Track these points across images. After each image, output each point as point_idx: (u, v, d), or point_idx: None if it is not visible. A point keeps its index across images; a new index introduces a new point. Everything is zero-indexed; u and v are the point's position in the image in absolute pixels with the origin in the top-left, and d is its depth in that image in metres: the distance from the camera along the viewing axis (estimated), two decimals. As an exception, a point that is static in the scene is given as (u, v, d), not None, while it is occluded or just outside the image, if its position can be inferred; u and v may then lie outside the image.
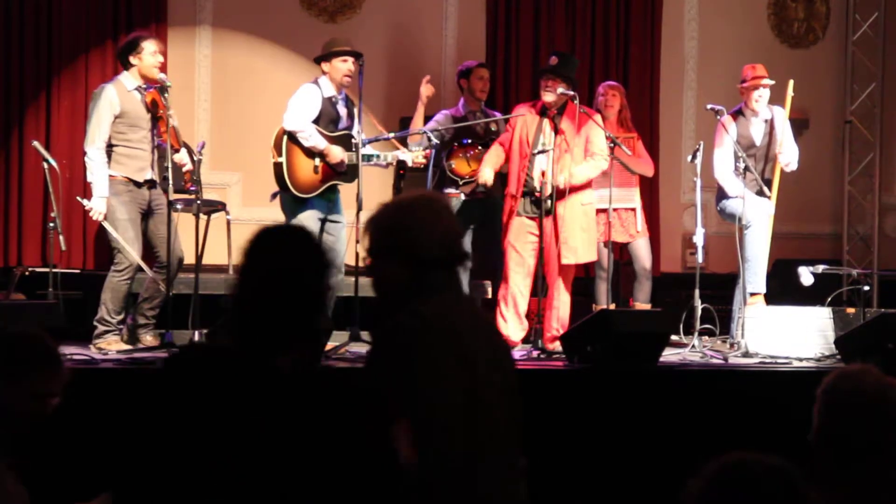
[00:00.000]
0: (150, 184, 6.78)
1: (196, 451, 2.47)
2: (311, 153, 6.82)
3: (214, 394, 2.50)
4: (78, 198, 6.93)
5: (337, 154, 6.81)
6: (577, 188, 7.00)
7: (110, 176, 6.65)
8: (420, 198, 2.86)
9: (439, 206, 2.87)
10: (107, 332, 6.60)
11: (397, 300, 2.72)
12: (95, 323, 6.63)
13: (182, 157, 6.83)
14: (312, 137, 6.79)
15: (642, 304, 7.84)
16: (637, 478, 5.74)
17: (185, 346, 2.83)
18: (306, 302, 2.62)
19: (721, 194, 7.71)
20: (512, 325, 6.99)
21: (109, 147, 6.66)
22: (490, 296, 7.72)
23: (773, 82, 7.63)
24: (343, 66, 6.90)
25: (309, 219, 6.85)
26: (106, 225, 6.65)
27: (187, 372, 2.57)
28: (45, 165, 7.25)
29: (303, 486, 2.48)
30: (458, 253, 2.83)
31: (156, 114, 6.75)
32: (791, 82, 7.74)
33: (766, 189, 7.58)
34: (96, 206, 6.59)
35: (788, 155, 7.63)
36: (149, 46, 6.73)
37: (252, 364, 2.53)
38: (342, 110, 6.99)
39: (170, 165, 6.67)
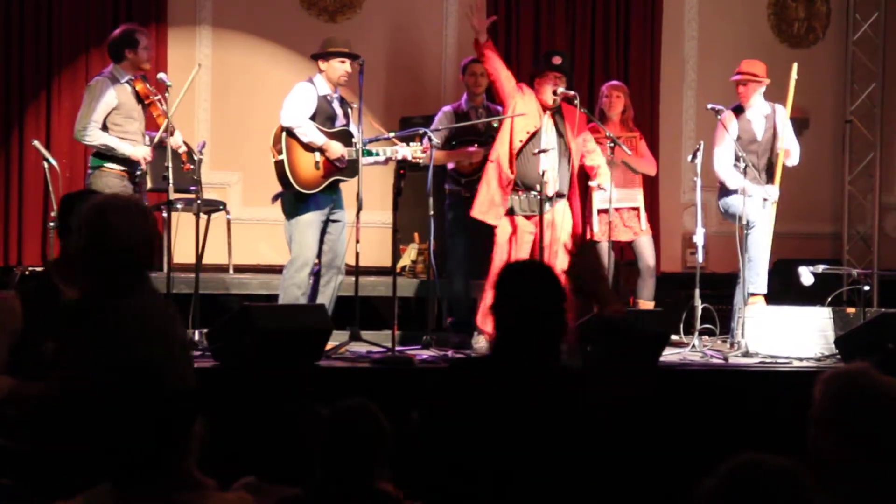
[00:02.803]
0: (139, 177, 6.84)
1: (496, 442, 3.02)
2: (310, 149, 6.81)
3: (505, 392, 3.05)
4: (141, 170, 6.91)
5: (336, 149, 6.80)
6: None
7: (108, 168, 6.70)
8: (114, 201, 3.11)
9: (131, 211, 3.08)
10: None
11: (86, 294, 3.04)
12: None
13: (177, 139, 6.84)
14: (310, 133, 6.78)
15: (646, 301, 7.83)
16: (637, 478, 5.73)
17: (458, 361, 3.51)
18: (553, 322, 3.14)
19: (723, 193, 7.71)
20: None
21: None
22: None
23: (758, 80, 7.64)
24: (340, 66, 6.90)
25: (310, 221, 6.83)
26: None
27: (469, 378, 3.17)
28: (45, 165, 7.27)
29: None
30: (143, 258, 3.07)
31: (145, 101, 6.81)
32: (795, 65, 7.77)
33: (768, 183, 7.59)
34: (141, 153, 6.73)
35: (789, 143, 7.65)
36: (143, 40, 6.86)
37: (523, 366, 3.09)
38: (338, 109, 6.99)
39: (170, 165, 6.69)
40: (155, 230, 3.22)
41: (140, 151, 6.73)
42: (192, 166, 7.08)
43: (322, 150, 6.81)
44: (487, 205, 6.99)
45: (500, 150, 7.01)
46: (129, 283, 3.06)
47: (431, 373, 6.13)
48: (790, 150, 7.65)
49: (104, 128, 6.75)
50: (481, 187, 7.05)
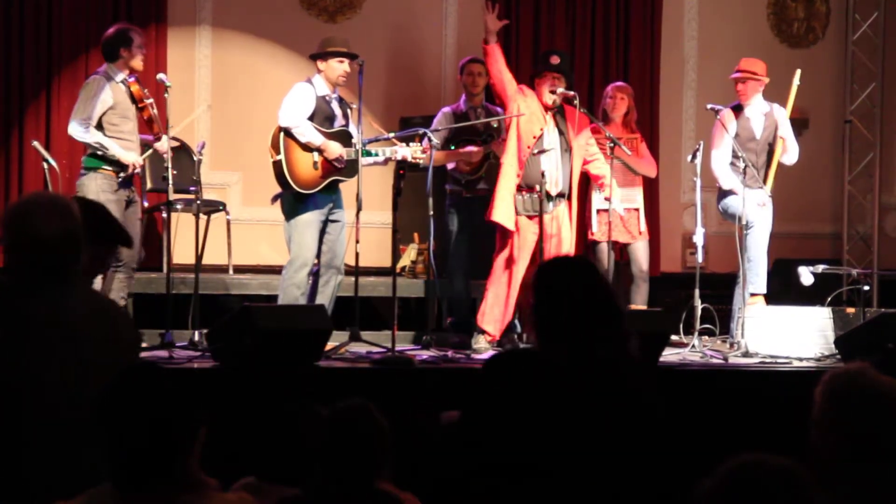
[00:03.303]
0: (136, 176, 6.84)
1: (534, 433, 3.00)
2: (308, 149, 6.80)
3: (543, 384, 3.03)
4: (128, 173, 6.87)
5: (334, 150, 6.79)
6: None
7: (103, 170, 6.69)
8: (33, 199, 3.12)
9: (48, 207, 3.07)
10: None
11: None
12: None
13: (163, 144, 6.84)
14: (308, 133, 6.76)
15: (640, 306, 7.82)
16: (636, 477, 5.72)
17: (503, 352, 3.52)
18: (597, 311, 3.09)
19: (722, 194, 7.72)
20: (497, 324, 6.97)
21: None
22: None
23: (758, 78, 7.66)
24: (339, 66, 6.89)
25: (309, 221, 6.83)
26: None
27: (511, 369, 3.13)
28: (45, 165, 7.26)
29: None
30: (63, 254, 3.04)
31: (139, 104, 6.81)
32: (798, 72, 7.78)
33: (765, 187, 7.60)
34: (132, 159, 6.68)
35: (790, 144, 7.67)
36: (137, 39, 6.86)
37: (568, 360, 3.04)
38: (337, 109, 6.98)
39: (169, 166, 6.69)
40: (77, 227, 3.16)
41: (131, 157, 6.69)
42: (175, 172, 7.05)
43: (320, 151, 6.80)
44: (505, 211, 6.95)
45: (511, 153, 7.00)
46: (44, 281, 3.04)
47: (431, 373, 6.13)
48: (787, 142, 7.66)
49: (99, 127, 6.74)
50: (499, 191, 7.00)
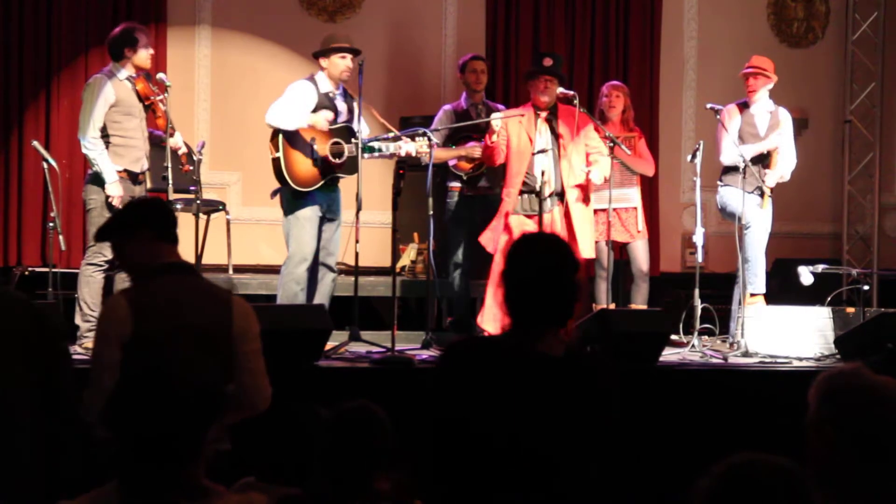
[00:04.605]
0: (143, 177, 6.81)
1: (481, 428, 2.84)
2: (307, 146, 6.77)
3: (495, 377, 2.87)
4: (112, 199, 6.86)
5: (320, 119, 6.77)
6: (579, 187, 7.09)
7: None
8: None
9: None
10: (92, 329, 6.55)
11: None
12: (78, 322, 6.58)
13: (177, 140, 6.83)
14: (291, 120, 6.70)
15: (640, 306, 7.82)
16: (636, 477, 5.74)
17: (460, 340, 3.25)
18: (562, 295, 2.91)
19: (722, 191, 7.71)
20: (497, 323, 7.00)
21: (106, 139, 6.67)
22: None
23: (768, 75, 7.64)
24: (342, 62, 6.88)
25: (308, 217, 6.82)
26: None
27: (466, 360, 2.96)
28: (45, 165, 7.25)
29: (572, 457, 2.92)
30: None
31: (146, 102, 6.79)
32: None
33: (765, 189, 7.59)
34: (114, 192, 6.60)
35: (782, 168, 7.64)
36: (143, 39, 6.82)
37: (524, 350, 2.89)
38: (341, 105, 6.96)
39: (169, 165, 6.68)
40: None
41: (115, 190, 6.61)
42: (191, 167, 7.09)
43: (312, 128, 6.76)
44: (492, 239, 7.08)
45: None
46: None
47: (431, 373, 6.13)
48: (784, 148, 7.64)
49: (103, 127, 6.71)
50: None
